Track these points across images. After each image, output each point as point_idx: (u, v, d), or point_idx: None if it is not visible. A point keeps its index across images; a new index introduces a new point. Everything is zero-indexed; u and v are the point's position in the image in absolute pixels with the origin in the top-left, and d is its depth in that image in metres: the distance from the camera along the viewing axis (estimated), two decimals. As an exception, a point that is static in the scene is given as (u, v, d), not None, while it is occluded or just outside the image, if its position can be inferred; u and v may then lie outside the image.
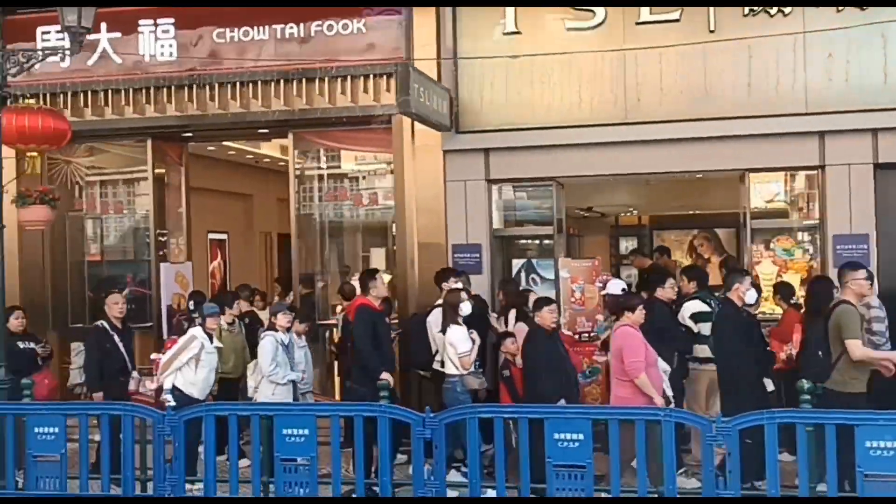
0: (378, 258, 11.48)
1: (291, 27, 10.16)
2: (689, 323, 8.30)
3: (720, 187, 11.04)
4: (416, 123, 9.79)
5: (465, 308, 7.83)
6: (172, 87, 10.38)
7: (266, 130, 11.22)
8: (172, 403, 7.13)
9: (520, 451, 6.01)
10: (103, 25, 10.42)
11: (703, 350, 8.13)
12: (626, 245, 15.36)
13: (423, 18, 9.79)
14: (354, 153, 11.06)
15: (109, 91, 10.45)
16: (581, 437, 5.82)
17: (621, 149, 9.38)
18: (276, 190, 19.58)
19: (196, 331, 7.65)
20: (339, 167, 11.10)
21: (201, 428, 6.54)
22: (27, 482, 6.66)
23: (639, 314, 7.22)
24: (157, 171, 11.23)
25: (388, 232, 11.18)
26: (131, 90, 10.46)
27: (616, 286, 8.77)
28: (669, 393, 7.32)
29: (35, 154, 8.58)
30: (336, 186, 11.10)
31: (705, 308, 8.28)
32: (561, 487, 5.84)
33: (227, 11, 10.29)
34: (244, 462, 6.81)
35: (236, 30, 10.30)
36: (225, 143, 13.29)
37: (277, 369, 7.62)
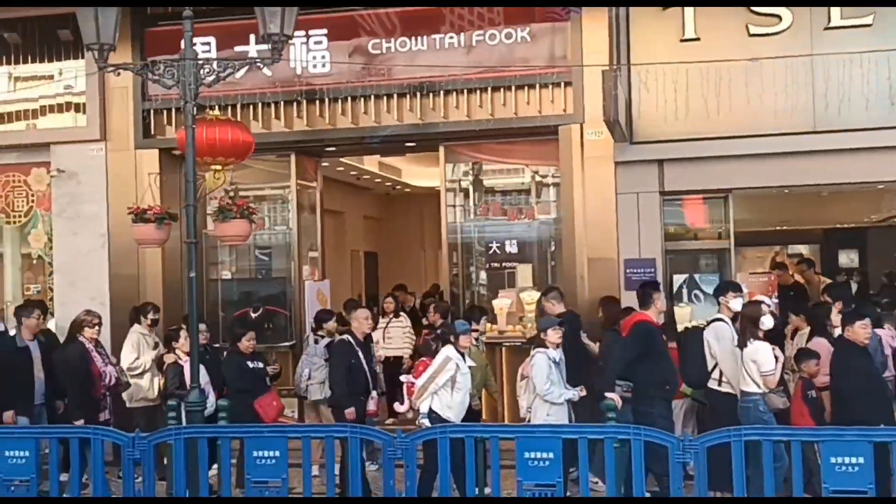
0: (524, 274, 11.13)
1: (451, 37, 9.88)
2: None
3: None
4: (584, 134, 9.51)
5: (767, 322, 7.34)
6: (327, 100, 10.14)
7: (413, 144, 10.91)
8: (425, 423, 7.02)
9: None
10: (251, 37, 10.19)
11: None
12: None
13: (594, 25, 9.49)
14: (507, 166, 10.74)
15: (260, 104, 10.21)
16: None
17: (807, 159, 9.00)
18: (364, 207, 19.50)
19: (449, 351, 7.29)
20: (490, 180, 10.79)
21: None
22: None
23: None
24: (298, 186, 10.96)
25: (538, 247, 10.87)
26: (282, 103, 10.23)
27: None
28: None
29: (220, 167, 8.29)
30: (486, 200, 10.79)
31: None
32: None
33: (382, 21, 10.03)
34: None
35: (392, 40, 10.03)
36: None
37: (552, 388, 7.24)
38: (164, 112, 10.54)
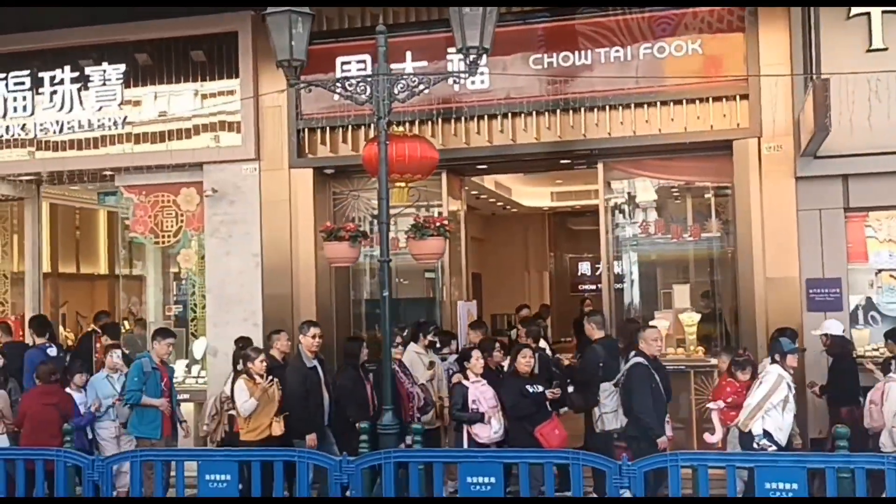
0: (681, 295, 10.76)
1: (617, 51, 9.61)
2: None
3: None
4: (762, 148, 9.17)
5: None
6: (486, 116, 9.93)
7: (568, 161, 10.64)
8: (772, 448, 6.99)
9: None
10: (408, 54, 10.03)
11: None
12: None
13: (772, 36, 9.17)
14: (666, 183, 10.42)
15: (417, 121, 10.02)
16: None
17: None
18: (469, 227, 19.29)
19: (779, 370, 7.09)
20: (650, 196, 10.47)
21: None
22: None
23: None
24: (451, 206, 10.75)
25: (696, 266, 10.51)
26: (439, 119, 10.04)
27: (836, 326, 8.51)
28: None
29: (403, 185, 8.10)
30: (644, 218, 10.48)
31: None
32: None
33: (545, 37, 9.79)
34: None
35: (555, 55, 9.78)
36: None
37: None
38: (318, 131, 10.42)
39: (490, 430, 8.01)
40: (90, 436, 8.88)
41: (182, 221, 10.92)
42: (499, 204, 17.51)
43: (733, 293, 9.75)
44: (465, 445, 7.94)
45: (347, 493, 6.56)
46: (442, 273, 10.89)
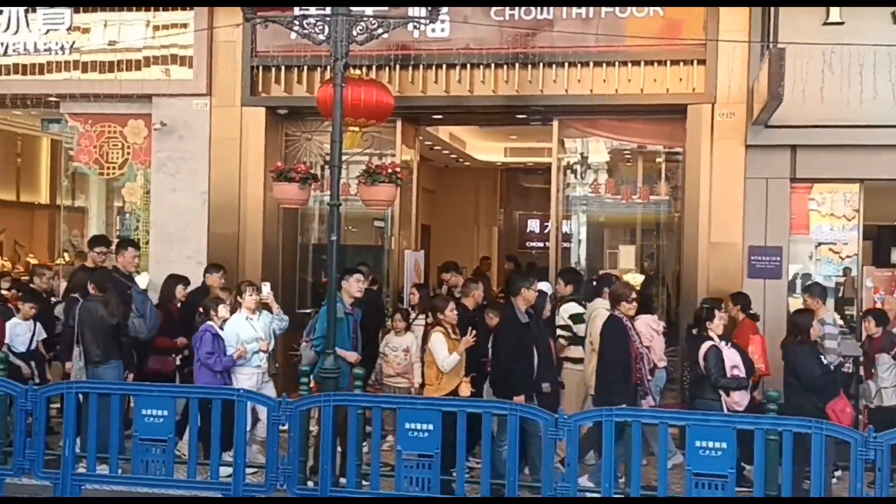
0: (626, 256, 10.91)
1: (579, 8, 9.55)
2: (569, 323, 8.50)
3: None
4: (715, 115, 9.25)
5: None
6: (444, 66, 9.83)
7: (523, 116, 10.60)
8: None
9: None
10: None
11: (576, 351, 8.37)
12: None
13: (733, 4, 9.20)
14: (619, 144, 10.47)
15: (374, 66, 9.87)
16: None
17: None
18: (422, 179, 19.19)
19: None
20: (602, 157, 10.52)
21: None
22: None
23: None
24: (404, 155, 10.66)
25: (643, 228, 10.64)
26: (397, 67, 9.91)
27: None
28: None
29: (357, 129, 8.00)
30: (595, 178, 10.53)
31: (580, 310, 8.47)
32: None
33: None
34: None
35: (517, 9, 9.68)
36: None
37: None
38: (273, 69, 10.22)
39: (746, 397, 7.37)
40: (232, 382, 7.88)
41: (128, 154, 10.68)
42: (452, 156, 17.43)
43: (677, 257, 9.89)
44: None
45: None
46: (391, 222, 10.83)
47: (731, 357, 7.37)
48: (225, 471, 6.66)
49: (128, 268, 8.62)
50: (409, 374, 8.50)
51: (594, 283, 8.93)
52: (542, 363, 7.54)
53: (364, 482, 6.48)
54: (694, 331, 7.99)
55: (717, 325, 7.51)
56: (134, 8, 10.35)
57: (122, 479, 6.68)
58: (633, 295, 7.70)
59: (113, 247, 9.19)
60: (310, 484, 6.62)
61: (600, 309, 8.08)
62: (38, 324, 8.89)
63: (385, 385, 8.55)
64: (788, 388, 7.39)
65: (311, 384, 7.30)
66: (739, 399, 7.24)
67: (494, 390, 7.63)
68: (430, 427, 6.18)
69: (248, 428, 7.29)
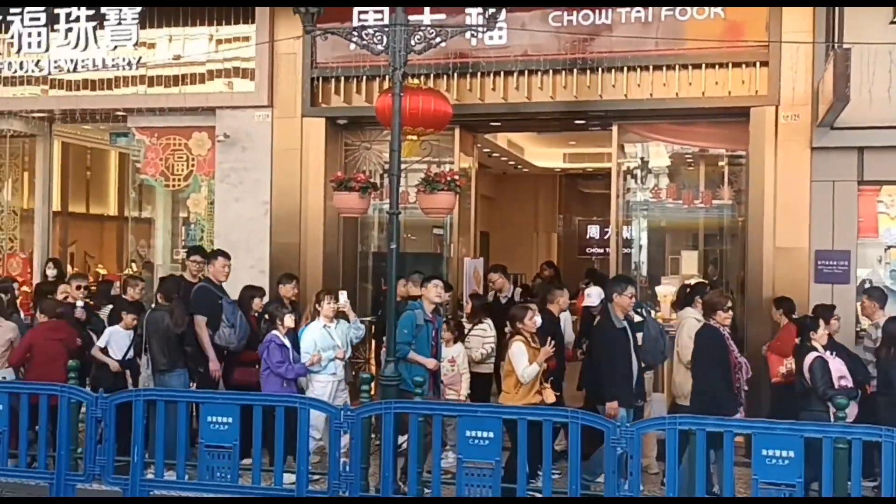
0: (689, 262, 10.75)
1: (638, 11, 9.47)
2: None
3: None
4: (779, 117, 9.09)
5: None
6: (502, 73, 9.84)
7: (582, 122, 10.55)
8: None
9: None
10: (426, 10, 9.90)
11: None
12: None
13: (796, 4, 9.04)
14: (681, 149, 10.34)
15: (432, 75, 9.92)
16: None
17: None
18: (480, 186, 19.21)
19: None
20: (663, 162, 10.41)
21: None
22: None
23: None
24: (462, 163, 10.69)
25: (705, 233, 10.48)
26: (455, 74, 9.94)
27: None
28: None
29: (415, 138, 8.06)
30: (656, 183, 10.42)
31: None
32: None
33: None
34: None
35: (574, 13, 9.65)
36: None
37: None
38: (333, 80, 10.34)
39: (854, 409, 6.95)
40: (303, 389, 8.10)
41: (193, 166, 10.92)
42: (510, 163, 17.41)
43: (741, 262, 9.72)
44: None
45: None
46: (450, 230, 10.87)
47: (836, 367, 7.13)
48: (288, 478, 6.73)
49: (218, 277, 8.65)
50: (456, 385, 8.46)
51: (687, 291, 8.69)
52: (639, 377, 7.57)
53: (426, 490, 6.48)
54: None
55: (821, 336, 7.26)
56: (198, 22, 10.58)
57: (189, 485, 6.79)
58: (729, 304, 7.43)
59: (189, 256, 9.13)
60: (371, 491, 6.66)
61: (689, 318, 7.93)
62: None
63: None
64: (885, 399, 7.22)
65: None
66: (848, 410, 6.61)
67: (588, 396, 7.63)
68: (491, 435, 6.14)
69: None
